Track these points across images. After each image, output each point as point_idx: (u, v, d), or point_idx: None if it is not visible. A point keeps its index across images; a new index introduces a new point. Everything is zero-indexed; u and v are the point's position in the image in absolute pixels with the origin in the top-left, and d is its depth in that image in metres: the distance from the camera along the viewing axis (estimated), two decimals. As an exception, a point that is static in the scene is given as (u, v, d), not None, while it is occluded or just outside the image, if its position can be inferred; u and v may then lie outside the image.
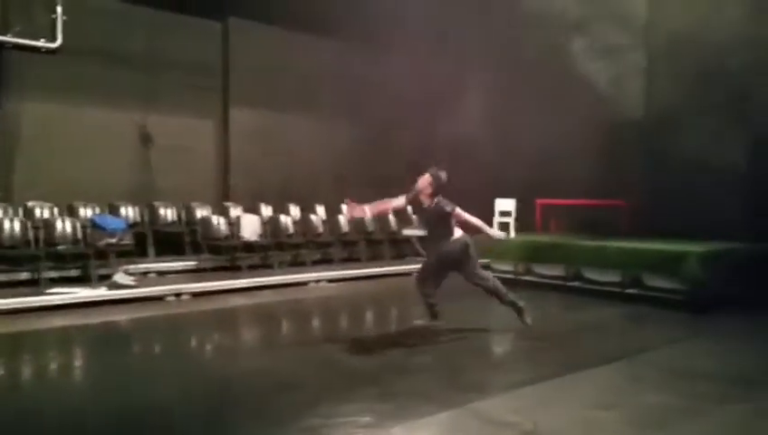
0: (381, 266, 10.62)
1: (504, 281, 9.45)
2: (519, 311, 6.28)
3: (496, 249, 10.00)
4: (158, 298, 7.91)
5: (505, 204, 10.73)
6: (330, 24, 11.29)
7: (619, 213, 10.18)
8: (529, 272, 9.68)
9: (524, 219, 11.01)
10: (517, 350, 6.18)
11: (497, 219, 10.56)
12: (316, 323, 7.59)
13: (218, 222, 9.90)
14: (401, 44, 12.00)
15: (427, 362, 5.38)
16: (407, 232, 11.72)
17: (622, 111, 10.50)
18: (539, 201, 11.51)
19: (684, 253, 7.76)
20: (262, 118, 11.66)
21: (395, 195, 13.14)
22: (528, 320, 6.25)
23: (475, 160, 11.80)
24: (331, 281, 9.55)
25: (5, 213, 8.27)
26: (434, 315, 6.22)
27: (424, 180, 5.92)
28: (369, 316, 8.15)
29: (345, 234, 11.25)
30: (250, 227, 9.92)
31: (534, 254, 9.76)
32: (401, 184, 12.58)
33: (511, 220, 10.57)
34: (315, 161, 12.28)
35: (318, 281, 9.44)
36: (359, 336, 6.88)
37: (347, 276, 9.80)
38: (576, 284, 8.96)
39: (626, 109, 10.55)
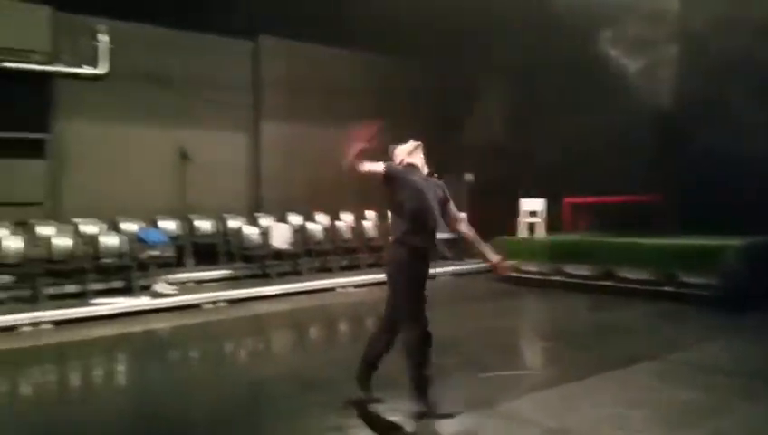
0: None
1: (533, 282, 9.65)
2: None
3: (524, 249, 10.04)
4: (196, 306, 8.22)
5: (533, 204, 10.70)
6: (358, 36, 11.48)
7: (651, 208, 10.04)
8: (558, 272, 9.65)
9: (552, 218, 10.98)
10: (543, 351, 6.24)
11: (524, 220, 10.56)
12: (343, 327, 7.78)
13: (250, 232, 10.19)
14: (426, 53, 12.15)
15: (453, 362, 5.47)
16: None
17: (653, 103, 10.37)
18: (567, 199, 11.44)
19: (721, 247, 7.61)
20: (291, 130, 11.97)
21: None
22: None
23: (501, 161, 11.84)
24: (357, 286, 9.72)
25: (56, 229, 8.69)
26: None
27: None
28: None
29: (371, 239, 11.43)
30: (280, 235, 10.19)
31: (564, 253, 9.71)
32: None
33: (539, 220, 10.55)
34: (341, 170, 12.48)
35: (345, 286, 9.63)
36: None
37: (373, 281, 9.93)
38: (607, 283, 8.85)
39: (657, 102, 10.43)
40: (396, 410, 4.09)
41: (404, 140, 4.33)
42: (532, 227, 10.30)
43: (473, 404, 4.23)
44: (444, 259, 11.61)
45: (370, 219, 11.89)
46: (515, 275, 10.18)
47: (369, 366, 4.24)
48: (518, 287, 9.61)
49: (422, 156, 4.24)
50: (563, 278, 9.52)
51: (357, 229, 11.47)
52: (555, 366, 5.33)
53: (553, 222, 10.95)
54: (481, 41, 11.17)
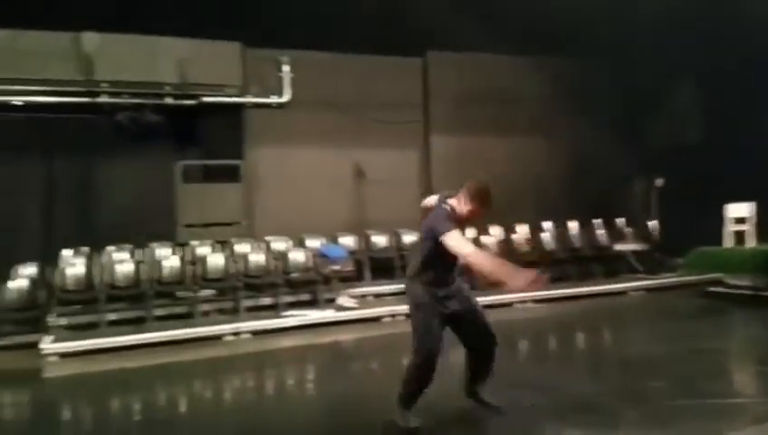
0: (591, 286, 10.01)
1: (742, 298, 8.44)
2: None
3: (731, 261, 8.91)
4: (376, 319, 8.39)
5: (740, 209, 9.46)
6: (528, 41, 11.13)
7: None
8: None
9: (765, 225, 9.60)
10: (765, 376, 5.36)
11: (730, 228, 9.35)
12: (524, 345, 7.37)
13: (423, 246, 10.20)
14: (605, 52, 11.44)
15: (658, 387, 4.90)
16: (618, 247, 10.95)
17: None
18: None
19: None
20: (461, 142, 11.94)
21: (604, 208, 11.78)
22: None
23: (699, 162, 10.64)
24: (536, 301, 9.21)
25: (251, 247, 9.48)
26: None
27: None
28: (580, 339, 7.72)
29: (550, 252, 10.84)
30: (453, 249, 10.04)
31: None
32: (604, 196, 11.98)
33: (749, 227, 9.28)
34: (514, 181, 12.11)
35: (523, 301, 9.18)
36: (574, 359, 6.57)
37: (554, 296, 9.37)
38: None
39: None
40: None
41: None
42: (739, 235, 9.09)
43: (688, 433, 3.71)
44: (634, 272, 10.70)
45: (548, 231, 11.35)
46: (720, 290, 9.05)
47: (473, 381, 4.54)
48: (724, 304, 8.49)
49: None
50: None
51: (533, 242, 10.99)
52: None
53: (766, 229, 9.57)
54: (668, 36, 10.18)
